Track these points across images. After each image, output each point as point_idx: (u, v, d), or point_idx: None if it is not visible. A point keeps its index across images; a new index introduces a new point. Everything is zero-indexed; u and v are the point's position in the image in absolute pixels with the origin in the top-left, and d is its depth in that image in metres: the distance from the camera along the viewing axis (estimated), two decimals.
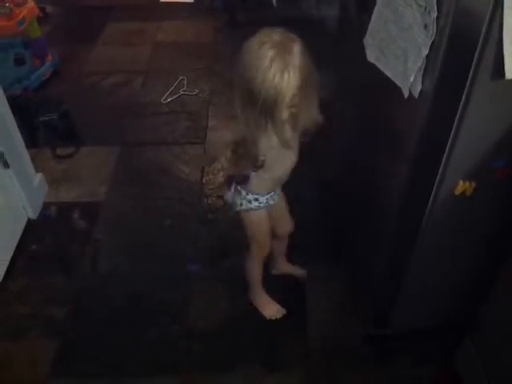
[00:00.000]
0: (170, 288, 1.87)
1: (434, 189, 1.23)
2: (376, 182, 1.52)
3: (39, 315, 1.79)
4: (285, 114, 1.20)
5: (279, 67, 1.12)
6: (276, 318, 1.75)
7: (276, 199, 1.54)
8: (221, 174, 2.39)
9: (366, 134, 1.57)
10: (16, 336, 1.72)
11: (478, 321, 1.44)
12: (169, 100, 2.92)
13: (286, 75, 1.12)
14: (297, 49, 1.16)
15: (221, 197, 2.25)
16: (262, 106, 1.15)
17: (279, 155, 1.33)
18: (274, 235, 1.67)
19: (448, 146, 1.15)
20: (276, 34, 1.16)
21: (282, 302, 1.80)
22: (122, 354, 1.67)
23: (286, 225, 1.72)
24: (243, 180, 1.43)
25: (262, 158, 1.29)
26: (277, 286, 1.84)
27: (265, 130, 1.22)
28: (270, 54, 1.13)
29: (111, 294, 1.86)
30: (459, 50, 1.02)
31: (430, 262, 1.41)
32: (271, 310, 1.77)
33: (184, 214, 2.20)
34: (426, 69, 1.10)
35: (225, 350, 1.68)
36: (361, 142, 1.64)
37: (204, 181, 2.36)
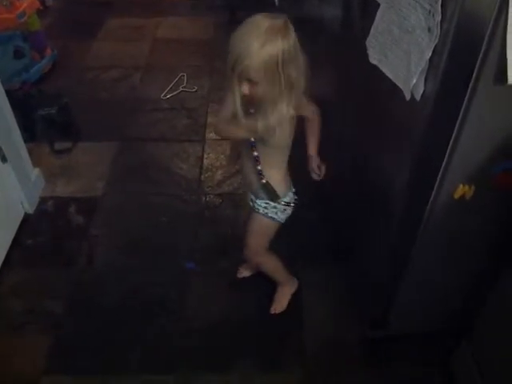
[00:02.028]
0: (166, 285, 1.87)
1: (434, 192, 1.23)
2: (376, 184, 1.52)
3: (35, 310, 1.78)
4: (235, 83, 1.19)
5: (255, 38, 1.15)
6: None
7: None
8: (219, 171, 2.39)
9: (366, 136, 1.57)
10: (11, 331, 1.72)
11: (475, 324, 1.45)
12: (168, 96, 2.91)
13: (254, 44, 1.14)
14: (283, 38, 1.17)
15: (219, 194, 2.25)
16: (227, 69, 1.20)
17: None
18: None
19: (448, 150, 1.15)
20: (274, 21, 1.19)
21: None
22: (118, 350, 1.67)
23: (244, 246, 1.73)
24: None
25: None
26: (273, 288, 1.84)
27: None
28: (257, 30, 1.16)
29: (107, 289, 1.85)
30: (462, 53, 1.02)
31: (428, 265, 1.41)
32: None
33: (182, 211, 2.19)
34: (428, 72, 1.10)
35: (222, 349, 1.68)
36: (361, 144, 1.64)
37: (202, 178, 2.36)
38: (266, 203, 1.48)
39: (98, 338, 1.70)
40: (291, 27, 1.20)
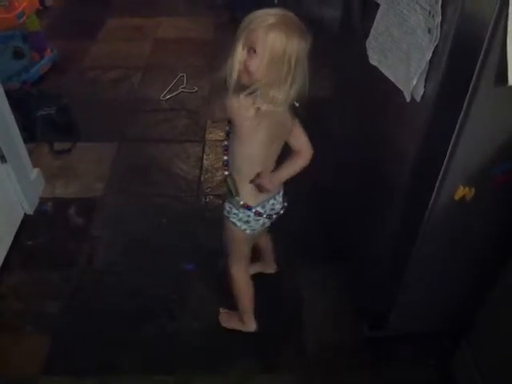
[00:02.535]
0: (166, 286, 1.86)
1: (434, 193, 1.23)
2: (376, 184, 1.52)
3: (34, 311, 1.78)
4: (238, 47, 1.17)
5: (273, 16, 1.16)
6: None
7: (274, 209, 1.45)
8: (219, 172, 2.38)
9: (366, 137, 1.57)
10: (10, 331, 1.71)
11: (475, 325, 1.44)
12: (168, 97, 2.91)
13: (270, 20, 1.15)
14: (300, 35, 1.16)
15: (219, 195, 2.25)
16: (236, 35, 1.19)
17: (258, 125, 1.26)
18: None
19: (449, 151, 1.15)
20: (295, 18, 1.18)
21: (279, 304, 1.81)
22: (118, 351, 1.66)
23: (262, 239, 1.71)
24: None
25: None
26: (273, 288, 1.84)
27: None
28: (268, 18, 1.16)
29: (107, 290, 1.85)
30: (462, 54, 1.02)
31: (428, 266, 1.41)
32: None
33: (182, 212, 2.19)
34: (428, 73, 1.09)
35: (222, 349, 1.68)
36: (361, 144, 1.64)
37: (202, 179, 2.36)
38: (230, 207, 1.42)
39: (97, 338, 1.70)
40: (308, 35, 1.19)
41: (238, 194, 1.38)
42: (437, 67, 1.06)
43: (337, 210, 1.98)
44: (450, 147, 1.14)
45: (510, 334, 1.31)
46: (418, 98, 1.14)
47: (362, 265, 1.78)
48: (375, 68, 1.33)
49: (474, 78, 1.03)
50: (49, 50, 3.08)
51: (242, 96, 1.20)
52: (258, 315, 1.74)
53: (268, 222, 1.48)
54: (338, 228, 1.97)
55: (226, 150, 1.37)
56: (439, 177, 1.19)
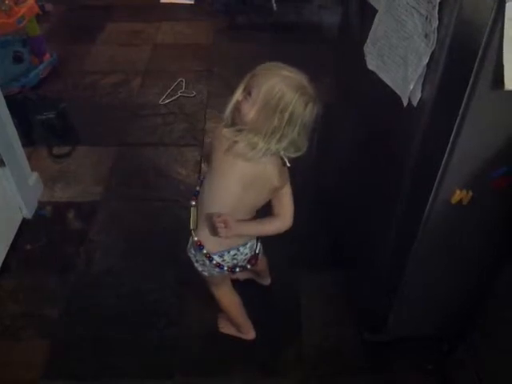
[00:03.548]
0: (165, 290, 1.86)
1: (431, 197, 1.23)
2: (374, 188, 1.52)
3: (33, 315, 1.78)
4: (239, 89, 1.20)
5: (281, 71, 1.17)
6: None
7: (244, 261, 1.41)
8: None
9: (366, 141, 1.58)
10: (8, 336, 1.71)
11: (473, 329, 1.45)
12: (167, 101, 2.92)
13: (264, 68, 1.18)
14: (307, 99, 1.16)
15: None
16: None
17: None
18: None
19: (446, 155, 1.16)
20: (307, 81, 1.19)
21: (277, 309, 1.81)
22: (117, 355, 1.66)
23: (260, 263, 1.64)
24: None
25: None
26: (271, 292, 1.84)
27: None
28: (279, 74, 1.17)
29: (106, 294, 1.85)
30: (459, 59, 1.03)
31: (425, 270, 1.41)
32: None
33: (180, 216, 2.19)
34: (425, 78, 1.10)
35: (221, 353, 1.68)
36: (360, 149, 1.64)
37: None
38: (190, 244, 1.40)
39: (96, 342, 1.70)
40: (316, 101, 1.19)
41: (195, 226, 1.35)
42: (434, 72, 1.07)
43: (336, 215, 1.98)
44: (446, 151, 1.15)
45: (508, 338, 1.31)
46: (415, 103, 1.15)
47: (360, 269, 1.78)
48: (373, 73, 1.33)
49: (470, 82, 1.04)
50: (48, 55, 3.08)
51: (227, 128, 1.22)
52: (257, 320, 1.74)
53: (238, 271, 1.42)
54: (337, 233, 1.97)
55: (201, 182, 1.38)
56: (436, 180, 1.20)
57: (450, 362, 1.56)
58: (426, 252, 1.36)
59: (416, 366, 1.64)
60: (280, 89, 1.13)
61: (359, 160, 1.66)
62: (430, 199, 1.24)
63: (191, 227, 1.37)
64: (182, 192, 2.32)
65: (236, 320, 1.66)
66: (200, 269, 1.43)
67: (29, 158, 2.21)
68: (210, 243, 1.35)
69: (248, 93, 1.18)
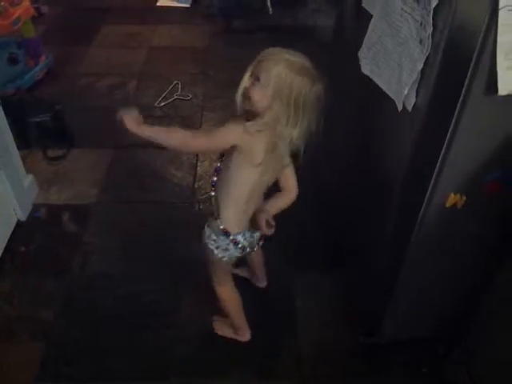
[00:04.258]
0: (161, 292, 1.86)
1: (426, 201, 1.25)
2: (370, 191, 1.53)
3: (27, 318, 1.77)
4: (246, 75, 1.23)
5: (287, 55, 1.21)
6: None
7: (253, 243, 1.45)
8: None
9: (361, 145, 1.59)
10: (3, 338, 1.70)
11: (468, 331, 1.46)
12: (162, 104, 2.92)
13: (284, 56, 1.21)
14: (311, 79, 1.20)
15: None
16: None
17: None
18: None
19: (440, 159, 1.17)
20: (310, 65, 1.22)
21: (274, 311, 1.81)
22: (112, 357, 1.66)
23: (256, 254, 1.69)
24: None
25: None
26: (268, 294, 1.84)
27: None
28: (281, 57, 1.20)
29: (101, 297, 1.84)
30: (453, 65, 1.04)
31: (420, 273, 1.42)
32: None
33: (175, 218, 2.19)
34: (420, 83, 1.11)
35: (217, 356, 1.67)
36: (357, 151, 1.65)
37: (196, 186, 2.36)
38: (210, 232, 1.42)
39: (90, 345, 1.69)
40: (320, 81, 1.22)
41: (219, 216, 1.38)
42: (428, 77, 1.08)
43: (333, 217, 1.99)
44: (441, 155, 1.16)
45: (502, 342, 1.32)
46: (410, 108, 1.16)
47: (356, 271, 1.79)
48: (368, 77, 1.34)
49: (464, 87, 1.05)
50: (44, 57, 3.08)
51: (249, 124, 1.23)
52: (254, 321, 1.74)
53: (249, 250, 1.46)
54: (334, 235, 1.98)
55: (217, 171, 1.39)
56: (430, 184, 1.21)
57: (446, 364, 1.56)
58: (420, 255, 1.37)
59: (411, 368, 1.65)
60: (288, 74, 1.17)
61: (357, 162, 1.67)
62: (425, 203, 1.25)
63: (215, 216, 1.38)
64: (177, 194, 2.32)
65: (234, 320, 1.66)
66: (221, 255, 1.43)
67: (24, 160, 2.21)
68: (234, 227, 1.39)
69: (256, 79, 1.20)
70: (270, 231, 1.32)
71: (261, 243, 1.49)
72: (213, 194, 1.40)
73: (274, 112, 1.20)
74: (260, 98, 1.20)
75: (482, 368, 1.42)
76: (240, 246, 1.41)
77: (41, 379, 1.59)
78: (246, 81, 1.22)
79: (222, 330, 1.72)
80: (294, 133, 1.22)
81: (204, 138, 1.33)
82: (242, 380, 1.62)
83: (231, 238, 1.39)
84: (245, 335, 1.69)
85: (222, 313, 1.68)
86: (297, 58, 1.21)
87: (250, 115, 1.25)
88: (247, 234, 1.41)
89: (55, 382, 1.60)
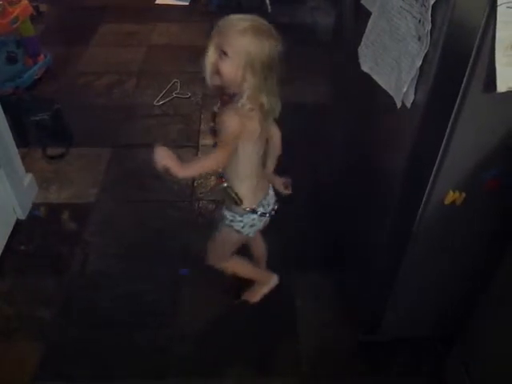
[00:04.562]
0: (160, 291, 1.86)
1: (425, 198, 1.25)
2: (369, 189, 1.53)
3: (27, 316, 1.77)
4: (211, 50, 1.22)
5: (246, 21, 1.20)
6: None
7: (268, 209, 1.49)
8: (212, 177, 2.39)
9: (361, 142, 1.58)
10: (2, 337, 1.70)
11: (468, 331, 1.45)
12: (161, 102, 2.92)
13: (243, 24, 1.19)
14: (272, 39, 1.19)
15: (212, 201, 2.25)
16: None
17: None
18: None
19: (439, 157, 1.17)
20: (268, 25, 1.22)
21: (273, 310, 1.81)
22: (110, 357, 1.66)
23: (258, 246, 1.73)
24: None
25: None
26: (267, 293, 1.85)
27: None
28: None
29: (100, 296, 1.84)
30: (452, 62, 1.04)
31: (419, 270, 1.42)
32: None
33: (175, 217, 2.19)
34: (418, 80, 1.11)
35: (216, 354, 1.68)
36: (355, 150, 1.65)
37: (195, 184, 2.36)
38: (232, 215, 1.44)
39: (89, 344, 1.69)
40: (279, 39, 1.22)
41: (242, 202, 1.41)
42: (427, 74, 1.08)
43: (332, 216, 1.99)
44: (440, 152, 1.16)
45: (501, 341, 1.32)
46: (409, 105, 1.15)
47: (355, 270, 1.79)
48: (367, 75, 1.34)
49: (463, 84, 1.05)
50: (42, 56, 3.07)
51: (238, 107, 1.22)
52: (253, 321, 1.75)
53: (269, 216, 1.51)
54: (333, 233, 1.98)
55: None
56: (429, 182, 1.21)
57: (445, 363, 1.56)
58: (420, 253, 1.37)
59: (411, 368, 1.65)
60: (256, 43, 1.16)
61: (356, 160, 1.66)
62: (424, 200, 1.25)
63: (239, 204, 1.41)
64: (176, 193, 2.32)
65: (255, 276, 1.75)
66: (247, 231, 1.48)
67: (23, 159, 2.20)
68: (253, 202, 1.43)
69: (223, 53, 1.18)
70: (289, 190, 1.48)
71: (276, 206, 1.52)
72: (225, 184, 1.42)
73: (250, 83, 1.19)
74: (231, 71, 1.18)
75: (482, 367, 1.41)
76: (263, 216, 1.46)
77: (40, 378, 1.60)
78: (211, 56, 1.20)
79: (255, 296, 1.77)
80: (272, 98, 1.23)
81: (223, 150, 1.32)
82: (241, 379, 1.62)
83: (258, 213, 1.44)
84: (273, 279, 1.77)
85: (243, 285, 1.76)
86: (259, 22, 1.20)
87: (223, 94, 1.26)
88: (264, 202, 1.46)
89: (54, 381, 1.60)
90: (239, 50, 1.16)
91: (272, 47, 1.18)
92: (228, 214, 1.46)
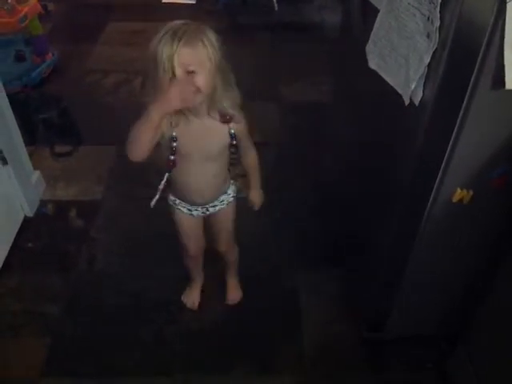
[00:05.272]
0: (166, 288, 1.87)
1: (432, 196, 1.24)
2: (375, 187, 1.53)
3: (34, 313, 1.78)
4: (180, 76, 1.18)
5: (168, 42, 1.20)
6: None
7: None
8: None
9: (367, 140, 1.58)
10: (10, 333, 1.72)
11: (472, 328, 1.45)
12: None
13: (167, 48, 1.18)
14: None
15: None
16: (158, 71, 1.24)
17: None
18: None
19: (446, 155, 1.16)
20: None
21: (277, 306, 1.81)
22: (117, 353, 1.67)
23: (221, 244, 1.69)
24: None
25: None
26: (271, 290, 1.85)
27: None
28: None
29: (107, 292, 1.85)
30: (460, 59, 1.04)
31: (426, 268, 1.42)
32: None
33: None
34: (427, 77, 1.11)
35: (221, 351, 1.68)
36: (361, 147, 1.65)
37: None
38: (234, 190, 1.55)
39: (96, 340, 1.70)
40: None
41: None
42: (435, 71, 1.08)
43: (337, 213, 1.99)
44: (448, 150, 1.15)
45: (506, 337, 1.31)
46: (417, 102, 1.15)
47: (360, 268, 1.78)
48: (375, 72, 1.34)
49: (471, 82, 1.05)
50: (50, 54, 3.09)
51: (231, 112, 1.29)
52: (258, 317, 1.75)
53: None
54: (338, 230, 1.98)
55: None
56: (437, 179, 1.20)
57: (450, 360, 1.56)
58: (426, 251, 1.37)
59: (416, 364, 1.65)
60: (217, 50, 1.19)
61: (360, 159, 1.66)
62: (431, 198, 1.24)
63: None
64: None
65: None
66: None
67: (31, 157, 2.22)
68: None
69: (189, 72, 1.16)
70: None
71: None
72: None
73: (219, 85, 1.22)
74: (206, 83, 1.18)
75: (486, 365, 1.41)
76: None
77: (46, 374, 1.61)
78: (181, 79, 1.16)
79: (239, 293, 1.83)
80: (234, 92, 1.28)
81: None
82: (245, 376, 1.62)
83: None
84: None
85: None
86: (209, 29, 1.21)
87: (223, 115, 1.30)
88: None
89: (61, 377, 1.61)
90: (206, 61, 1.17)
91: (223, 47, 1.20)
92: (229, 190, 1.54)
